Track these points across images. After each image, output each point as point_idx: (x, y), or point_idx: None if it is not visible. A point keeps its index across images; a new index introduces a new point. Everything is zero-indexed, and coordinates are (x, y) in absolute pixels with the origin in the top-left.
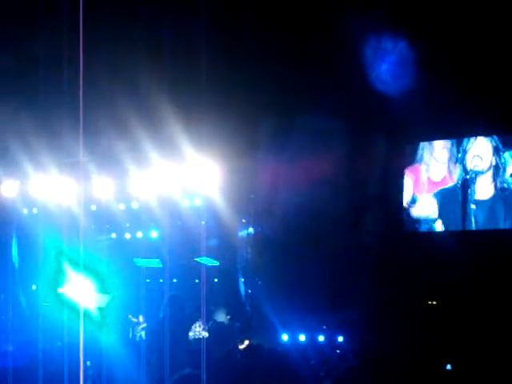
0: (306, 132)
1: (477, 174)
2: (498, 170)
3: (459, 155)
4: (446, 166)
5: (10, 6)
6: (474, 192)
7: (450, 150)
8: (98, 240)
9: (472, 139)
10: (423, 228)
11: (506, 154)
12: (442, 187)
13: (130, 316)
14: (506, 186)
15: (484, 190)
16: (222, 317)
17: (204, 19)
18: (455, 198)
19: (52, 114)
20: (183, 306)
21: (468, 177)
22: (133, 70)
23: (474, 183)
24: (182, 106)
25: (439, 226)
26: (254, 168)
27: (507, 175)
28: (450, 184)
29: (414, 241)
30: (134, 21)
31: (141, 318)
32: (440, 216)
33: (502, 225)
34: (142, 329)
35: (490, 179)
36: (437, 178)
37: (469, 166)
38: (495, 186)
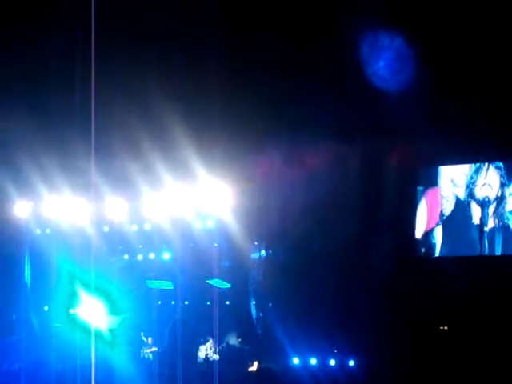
0: (318, 154)
1: (486, 202)
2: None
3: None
4: (460, 191)
5: (23, 28)
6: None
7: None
8: (110, 261)
9: (484, 168)
10: (434, 253)
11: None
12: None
13: (142, 334)
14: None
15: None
16: (233, 339)
17: (216, 43)
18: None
19: (65, 136)
20: (188, 330)
21: (480, 204)
22: (145, 93)
23: (486, 211)
24: (195, 128)
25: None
26: (267, 191)
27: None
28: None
29: (426, 265)
30: (146, 44)
31: (150, 340)
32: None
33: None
34: (151, 352)
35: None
36: (448, 204)
37: (478, 194)
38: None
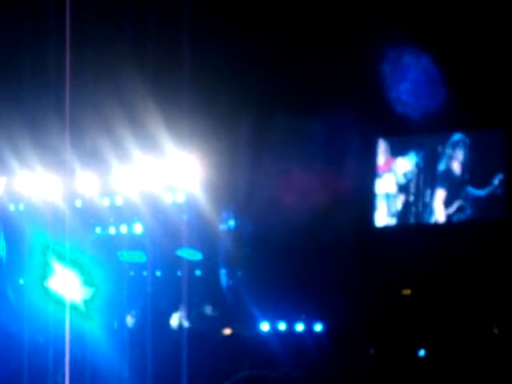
0: (285, 129)
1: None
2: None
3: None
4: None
5: None
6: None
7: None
8: (82, 234)
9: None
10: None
11: None
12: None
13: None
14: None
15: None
16: (204, 308)
17: (187, 18)
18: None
19: (38, 112)
20: (160, 303)
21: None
22: (116, 68)
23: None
24: (164, 102)
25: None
26: (234, 163)
27: None
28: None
29: (388, 233)
30: (117, 21)
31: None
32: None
33: None
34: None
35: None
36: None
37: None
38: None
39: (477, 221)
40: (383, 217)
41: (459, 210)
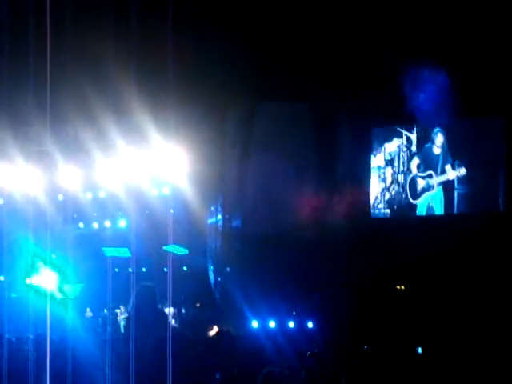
0: (274, 118)
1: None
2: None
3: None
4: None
5: None
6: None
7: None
8: (65, 230)
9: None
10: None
11: None
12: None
13: (117, 310)
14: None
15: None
16: (191, 305)
17: (171, 6)
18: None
19: (18, 102)
20: (155, 296)
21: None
22: (99, 59)
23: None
24: (150, 94)
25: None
26: (222, 155)
27: None
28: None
29: (382, 226)
30: (101, 8)
31: (122, 308)
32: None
33: None
34: (124, 318)
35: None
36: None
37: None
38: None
39: (473, 213)
40: (375, 186)
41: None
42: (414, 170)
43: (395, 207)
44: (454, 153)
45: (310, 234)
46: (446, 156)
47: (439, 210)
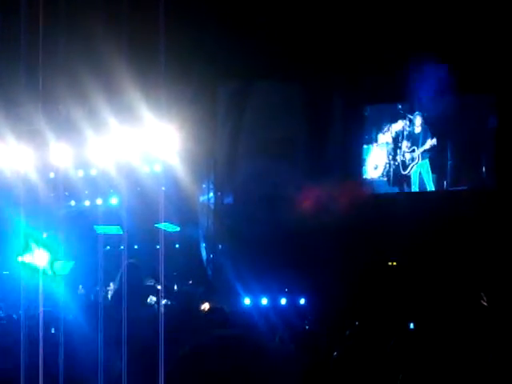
0: (264, 98)
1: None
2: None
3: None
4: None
5: None
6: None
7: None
8: (57, 207)
9: None
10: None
11: None
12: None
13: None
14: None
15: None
16: (183, 282)
17: None
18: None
19: (8, 80)
20: (140, 273)
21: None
22: (90, 37)
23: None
24: (141, 71)
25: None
26: (214, 133)
27: None
28: None
29: (373, 203)
30: None
31: (111, 286)
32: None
33: None
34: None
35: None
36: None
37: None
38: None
39: (466, 190)
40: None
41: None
42: (404, 148)
43: (391, 180)
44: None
45: (302, 211)
46: (425, 133)
47: (428, 179)
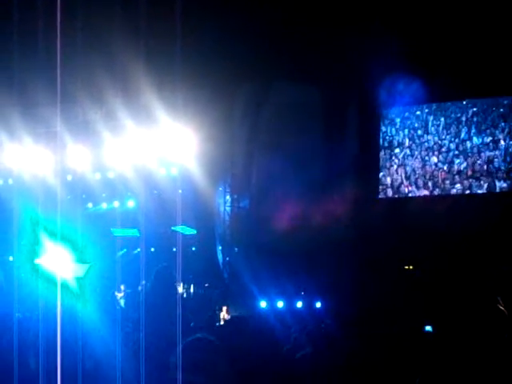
0: (282, 98)
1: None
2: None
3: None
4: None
5: None
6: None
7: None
8: (74, 210)
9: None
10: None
11: None
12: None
13: (116, 293)
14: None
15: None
16: (200, 285)
17: None
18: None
19: (27, 83)
20: (173, 277)
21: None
22: (108, 40)
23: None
24: (158, 74)
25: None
26: (231, 135)
27: None
28: None
29: (390, 206)
30: None
31: (122, 287)
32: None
33: None
34: (122, 297)
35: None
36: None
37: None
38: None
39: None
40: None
41: None
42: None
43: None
44: None
45: (317, 213)
46: None
47: None
